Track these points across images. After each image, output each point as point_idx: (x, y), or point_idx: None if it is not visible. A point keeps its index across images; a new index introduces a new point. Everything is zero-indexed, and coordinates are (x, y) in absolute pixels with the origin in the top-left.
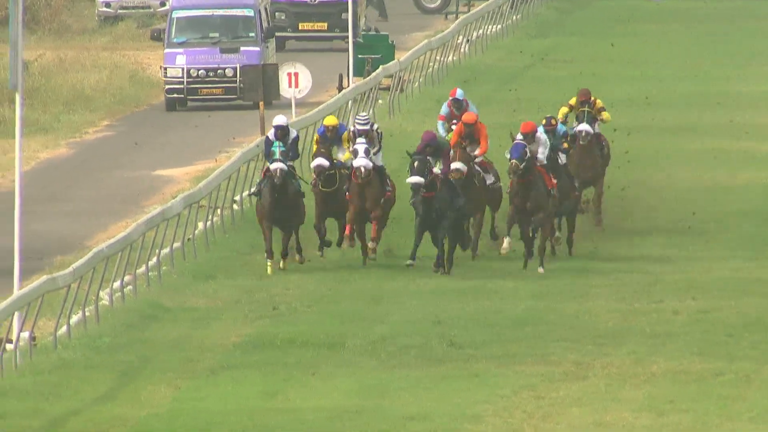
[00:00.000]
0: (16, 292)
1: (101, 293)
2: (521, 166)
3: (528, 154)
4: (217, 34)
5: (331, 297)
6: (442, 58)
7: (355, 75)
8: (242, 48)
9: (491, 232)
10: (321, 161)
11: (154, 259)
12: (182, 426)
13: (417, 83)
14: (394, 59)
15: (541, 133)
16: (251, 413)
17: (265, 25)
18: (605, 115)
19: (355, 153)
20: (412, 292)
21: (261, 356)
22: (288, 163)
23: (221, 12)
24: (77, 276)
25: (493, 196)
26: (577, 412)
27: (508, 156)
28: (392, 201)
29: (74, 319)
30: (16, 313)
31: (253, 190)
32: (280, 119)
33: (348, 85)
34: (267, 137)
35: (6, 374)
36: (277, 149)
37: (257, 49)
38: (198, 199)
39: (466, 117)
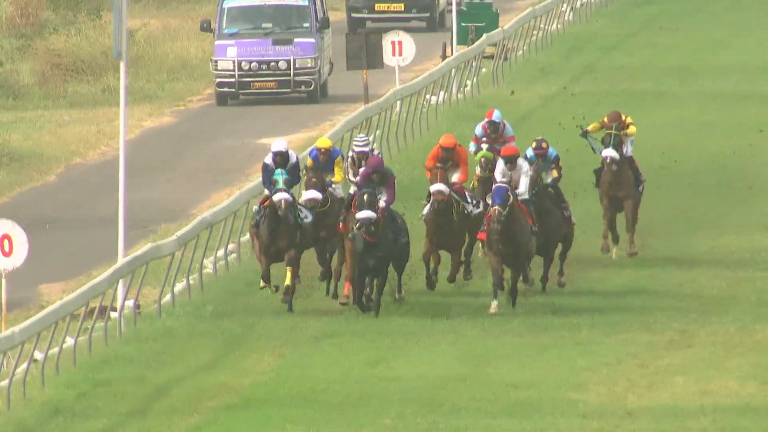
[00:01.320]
0: (121, 260)
1: (205, 261)
2: (504, 213)
3: (511, 198)
4: (269, 25)
5: None
6: (546, 26)
7: (458, 43)
8: (296, 39)
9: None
10: (314, 195)
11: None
12: (286, 393)
13: (521, 51)
14: (497, 27)
15: (523, 161)
16: (355, 381)
17: (320, 14)
18: (631, 129)
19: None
20: None
21: (365, 324)
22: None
23: (274, 1)
24: (181, 244)
25: (475, 224)
26: (682, 381)
27: (489, 201)
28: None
29: (178, 287)
30: (121, 281)
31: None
32: (279, 144)
33: (451, 54)
34: (265, 163)
35: (111, 342)
36: (280, 177)
37: (312, 40)
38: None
39: (444, 141)
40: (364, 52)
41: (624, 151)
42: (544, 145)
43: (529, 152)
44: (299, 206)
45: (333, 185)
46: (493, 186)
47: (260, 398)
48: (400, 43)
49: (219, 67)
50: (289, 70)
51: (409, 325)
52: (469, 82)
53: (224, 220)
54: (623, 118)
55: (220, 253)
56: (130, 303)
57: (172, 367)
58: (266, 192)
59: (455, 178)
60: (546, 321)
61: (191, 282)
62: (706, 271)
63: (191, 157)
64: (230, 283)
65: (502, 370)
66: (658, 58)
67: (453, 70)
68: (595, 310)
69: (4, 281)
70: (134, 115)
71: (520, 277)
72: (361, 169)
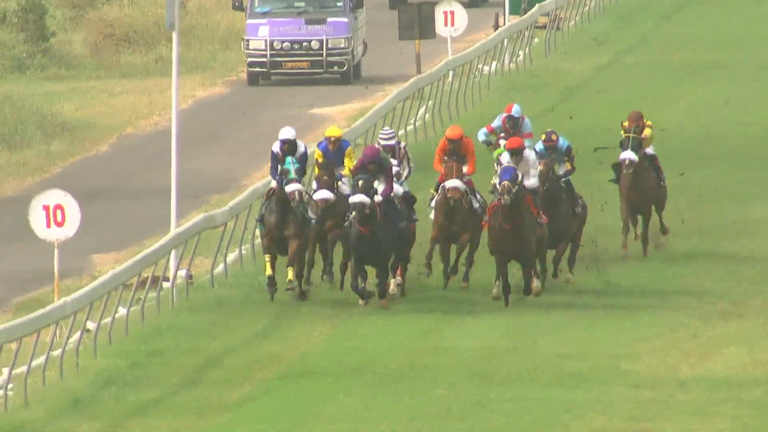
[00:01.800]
0: (173, 231)
1: (257, 231)
2: (514, 189)
3: (519, 177)
4: (302, 4)
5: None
6: None
7: (510, 13)
8: (329, 19)
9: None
10: (326, 195)
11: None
12: (338, 364)
13: (573, 21)
14: None
15: (530, 152)
16: (407, 352)
17: None
18: (647, 131)
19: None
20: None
21: (417, 295)
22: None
23: None
24: (234, 214)
25: (479, 222)
26: (734, 351)
27: (496, 181)
28: (413, 236)
29: (231, 257)
30: (173, 251)
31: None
32: (287, 132)
33: (504, 24)
34: (273, 152)
35: (163, 312)
36: (292, 167)
37: (345, 20)
38: (355, 137)
39: (451, 132)
40: (417, 22)
41: (640, 152)
42: (553, 137)
43: (539, 145)
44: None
45: (342, 179)
46: (500, 168)
47: (312, 368)
48: (452, 13)
49: (250, 47)
50: (322, 50)
51: (460, 296)
52: (521, 53)
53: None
54: (644, 120)
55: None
56: (182, 273)
57: (225, 338)
58: (272, 183)
59: (464, 170)
60: (597, 291)
61: (243, 252)
62: (759, 241)
63: (243, 127)
64: None
65: (554, 341)
66: (712, 29)
67: (505, 41)
68: (646, 280)
69: (56, 251)
70: (186, 85)
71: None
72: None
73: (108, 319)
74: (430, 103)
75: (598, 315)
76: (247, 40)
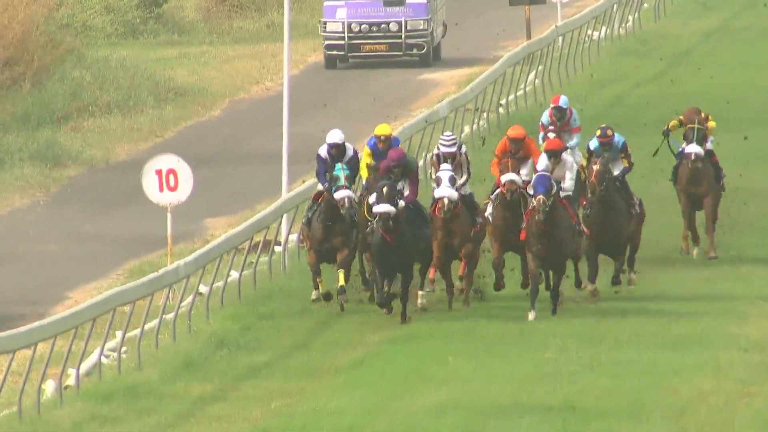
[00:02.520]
0: (285, 195)
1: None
2: (549, 203)
3: (555, 188)
4: None
5: None
6: None
7: None
8: (408, 0)
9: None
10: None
11: (420, 162)
12: (448, 327)
13: None
14: None
15: (567, 155)
16: (515, 317)
17: None
18: (711, 124)
19: (438, 181)
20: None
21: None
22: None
23: None
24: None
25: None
26: None
27: (531, 192)
28: (483, 235)
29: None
30: (285, 216)
31: (303, 220)
32: (335, 135)
33: None
34: (319, 156)
35: (275, 276)
36: (342, 173)
37: (424, 1)
38: (464, 102)
39: (513, 132)
40: None
41: (705, 145)
42: (609, 132)
43: (593, 143)
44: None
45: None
46: (534, 175)
47: (422, 332)
48: None
49: (328, 29)
50: (401, 32)
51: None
52: (630, 18)
53: None
54: (702, 114)
55: None
56: (294, 237)
57: (335, 301)
58: (320, 186)
59: (524, 171)
60: (703, 261)
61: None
62: None
63: (355, 91)
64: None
65: (663, 303)
66: None
67: (615, 6)
68: (757, 244)
69: (169, 215)
70: (298, 50)
71: (568, 282)
72: (444, 166)
73: (220, 283)
74: (540, 67)
75: (708, 278)
76: (324, 23)
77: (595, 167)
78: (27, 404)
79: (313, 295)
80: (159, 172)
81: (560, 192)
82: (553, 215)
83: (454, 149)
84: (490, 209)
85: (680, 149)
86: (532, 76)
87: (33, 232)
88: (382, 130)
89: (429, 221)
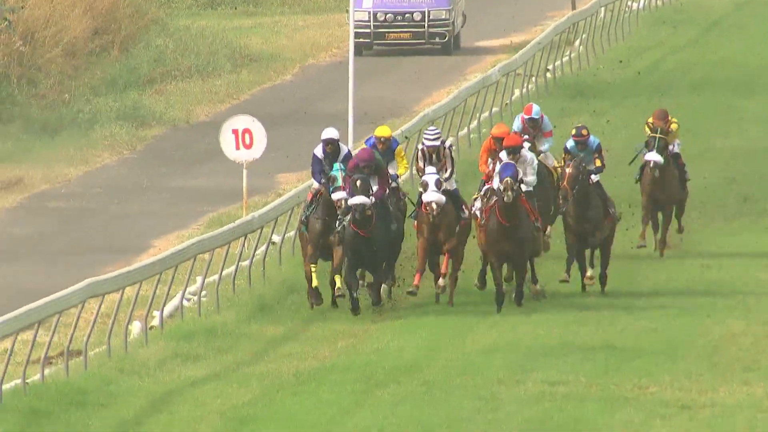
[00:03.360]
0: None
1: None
2: (516, 185)
3: (519, 174)
4: None
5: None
6: None
7: None
8: None
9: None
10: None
11: (474, 123)
12: None
13: None
14: None
15: (527, 151)
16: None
17: None
18: (673, 126)
19: (424, 185)
20: (708, 155)
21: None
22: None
23: None
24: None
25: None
26: None
27: (497, 180)
28: (468, 230)
29: (403, 177)
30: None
31: (302, 218)
32: (329, 132)
33: None
34: (315, 155)
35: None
36: (339, 174)
37: None
38: (515, 68)
39: (497, 131)
40: None
41: (668, 152)
42: (584, 132)
43: (569, 142)
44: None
45: (397, 178)
46: (499, 165)
47: (474, 288)
48: None
49: (354, 18)
50: (424, 21)
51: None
52: None
53: (444, 115)
54: (669, 117)
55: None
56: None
57: (343, 304)
58: (315, 185)
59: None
60: (736, 207)
61: (414, 173)
62: None
63: (415, 58)
64: (462, 165)
65: (695, 251)
66: None
67: None
68: None
69: (244, 171)
70: None
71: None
72: (430, 170)
73: (292, 233)
74: (584, 36)
75: (737, 229)
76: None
77: (569, 170)
78: (115, 344)
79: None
80: (235, 132)
81: (522, 187)
82: (513, 212)
83: (437, 143)
84: (478, 204)
85: (643, 154)
86: (576, 43)
87: (121, 187)
88: (382, 131)
89: (396, 218)
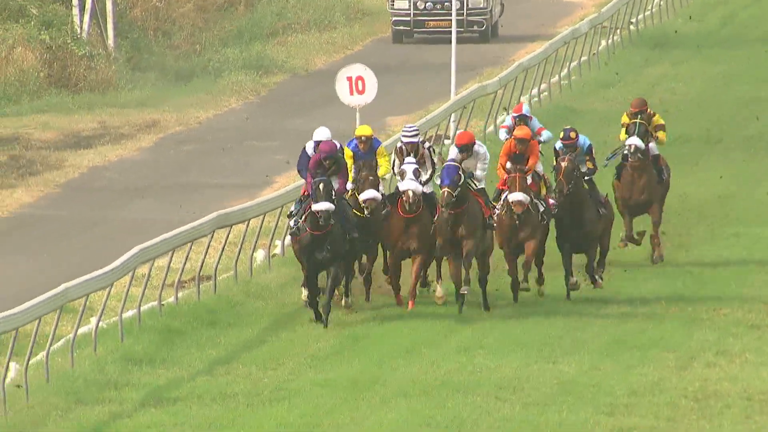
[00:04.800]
0: (453, 98)
1: (522, 98)
2: (454, 195)
3: (462, 179)
4: None
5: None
6: None
7: None
8: None
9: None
10: (373, 194)
11: (565, 71)
12: None
13: None
14: None
15: (479, 146)
16: None
17: None
18: (661, 135)
19: (402, 174)
20: None
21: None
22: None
23: None
24: (502, 84)
25: (543, 231)
26: None
27: (438, 182)
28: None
29: (499, 119)
30: (452, 115)
31: (290, 223)
32: (321, 133)
33: None
34: (304, 151)
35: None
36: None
37: None
38: (601, 21)
39: (520, 132)
40: None
41: (650, 146)
42: (572, 135)
43: (558, 144)
44: (348, 217)
45: (382, 174)
46: (444, 166)
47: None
48: None
49: (395, 7)
50: (463, 10)
51: (685, 148)
52: None
53: (537, 64)
54: (649, 110)
55: (534, 91)
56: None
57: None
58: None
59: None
60: None
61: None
62: None
63: (514, 10)
64: (544, 115)
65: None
66: None
67: None
68: None
69: (357, 114)
70: None
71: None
72: (408, 159)
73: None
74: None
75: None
76: (392, 1)
77: (563, 164)
78: (241, 270)
79: (303, 295)
80: (349, 79)
81: (473, 183)
82: (462, 206)
83: (415, 140)
84: (497, 210)
85: (623, 145)
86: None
87: (245, 128)
88: (363, 131)
89: (355, 228)
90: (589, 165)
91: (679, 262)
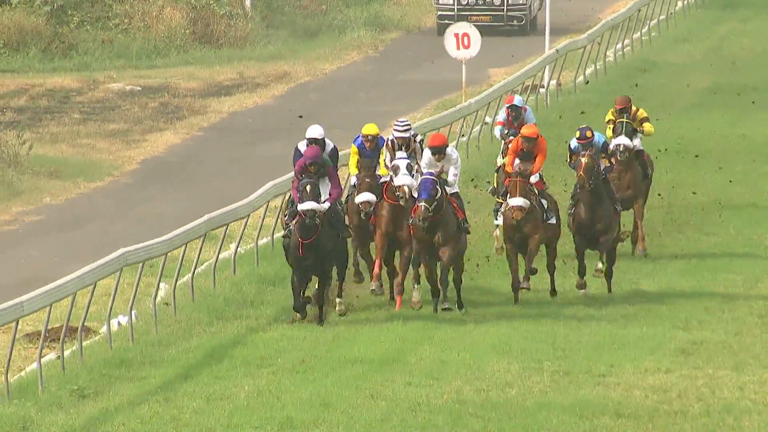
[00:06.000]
0: (547, 52)
1: (608, 51)
2: (431, 209)
3: (439, 192)
4: None
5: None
6: None
7: None
8: None
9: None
10: (368, 197)
11: (645, 28)
12: None
13: None
14: None
15: (452, 149)
16: None
17: None
18: (647, 127)
19: (395, 169)
20: None
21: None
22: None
23: None
24: (590, 39)
25: (551, 234)
26: None
27: (416, 195)
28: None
29: (588, 70)
30: (547, 67)
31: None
32: (314, 131)
33: None
34: (297, 150)
35: (540, 110)
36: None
37: None
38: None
39: (527, 131)
40: None
41: (635, 143)
42: (588, 134)
43: (573, 143)
44: (341, 219)
45: (381, 179)
46: (420, 178)
47: None
48: None
49: (440, 1)
50: (503, 5)
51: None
52: None
53: (622, 23)
54: (633, 106)
55: (618, 45)
56: (553, 83)
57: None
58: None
59: (530, 168)
60: None
61: (598, 67)
62: None
63: None
64: (620, 71)
65: None
66: None
67: None
68: None
69: (464, 66)
70: None
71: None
72: (400, 154)
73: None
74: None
75: None
76: None
77: (584, 160)
78: None
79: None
80: (456, 35)
81: (446, 188)
82: (438, 216)
83: (407, 134)
84: (500, 217)
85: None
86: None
87: (365, 79)
88: (370, 129)
89: (346, 230)
90: (606, 163)
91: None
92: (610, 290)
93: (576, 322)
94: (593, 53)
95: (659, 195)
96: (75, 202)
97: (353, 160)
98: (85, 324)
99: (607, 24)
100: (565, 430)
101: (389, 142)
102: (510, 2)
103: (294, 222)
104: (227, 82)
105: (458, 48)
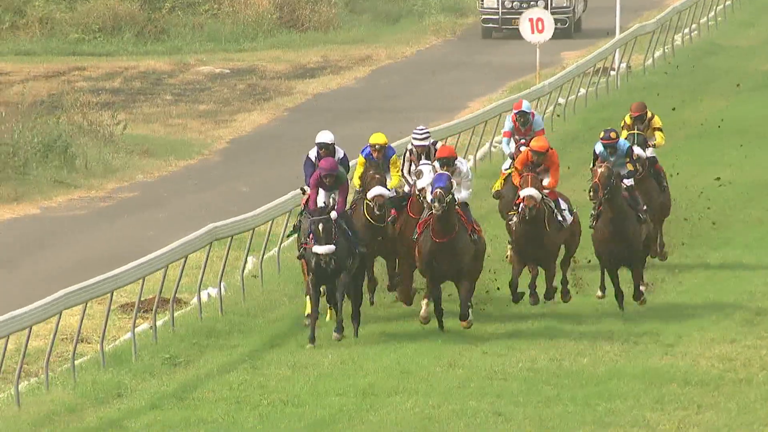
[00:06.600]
0: (617, 36)
1: (676, 36)
2: (447, 198)
3: (453, 185)
4: None
5: None
6: None
7: None
8: None
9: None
10: (381, 190)
11: (712, 12)
12: None
13: None
14: None
15: (461, 162)
16: None
17: None
18: (659, 137)
19: (419, 174)
20: None
21: None
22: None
23: None
24: (659, 24)
25: (570, 237)
26: None
27: (429, 189)
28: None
29: (657, 53)
30: (617, 50)
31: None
32: (325, 136)
33: None
34: (308, 158)
35: (611, 93)
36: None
37: None
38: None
39: (536, 144)
40: None
41: (647, 152)
42: (612, 135)
43: (599, 146)
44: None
45: (392, 187)
46: (434, 175)
47: None
48: None
49: (485, 5)
50: (547, 8)
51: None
52: None
53: (689, 7)
54: (649, 112)
55: (686, 30)
56: (623, 65)
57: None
58: (308, 189)
59: (545, 182)
60: None
61: (666, 51)
62: None
63: None
64: (689, 53)
65: None
66: None
67: None
68: None
69: (537, 50)
70: None
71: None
72: (423, 161)
73: (572, 97)
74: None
75: None
76: (482, 0)
77: (600, 169)
78: None
79: (306, 320)
80: (531, 20)
81: (455, 201)
82: (446, 226)
83: (426, 143)
84: (515, 219)
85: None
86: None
87: (443, 61)
88: (377, 139)
89: (361, 244)
90: (630, 167)
91: None
92: (637, 298)
93: (644, 294)
94: (662, 37)
95: (718, 179)
96: (167, 179)
97: (359, 171)
98: (177, 296)
99: (674, 9)
100: (635, 397)
101: (409, 152)
102: (554, 5)
103: (310, 237)
104: (312, 64)
105: (532, 32)
